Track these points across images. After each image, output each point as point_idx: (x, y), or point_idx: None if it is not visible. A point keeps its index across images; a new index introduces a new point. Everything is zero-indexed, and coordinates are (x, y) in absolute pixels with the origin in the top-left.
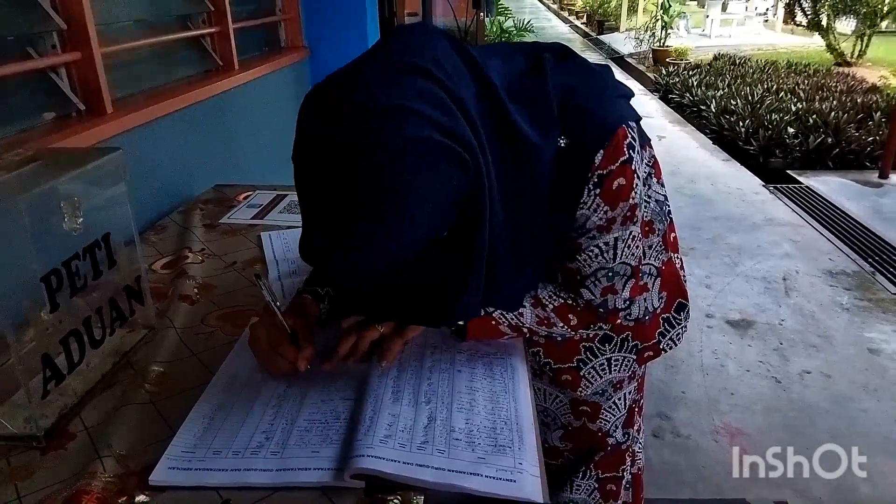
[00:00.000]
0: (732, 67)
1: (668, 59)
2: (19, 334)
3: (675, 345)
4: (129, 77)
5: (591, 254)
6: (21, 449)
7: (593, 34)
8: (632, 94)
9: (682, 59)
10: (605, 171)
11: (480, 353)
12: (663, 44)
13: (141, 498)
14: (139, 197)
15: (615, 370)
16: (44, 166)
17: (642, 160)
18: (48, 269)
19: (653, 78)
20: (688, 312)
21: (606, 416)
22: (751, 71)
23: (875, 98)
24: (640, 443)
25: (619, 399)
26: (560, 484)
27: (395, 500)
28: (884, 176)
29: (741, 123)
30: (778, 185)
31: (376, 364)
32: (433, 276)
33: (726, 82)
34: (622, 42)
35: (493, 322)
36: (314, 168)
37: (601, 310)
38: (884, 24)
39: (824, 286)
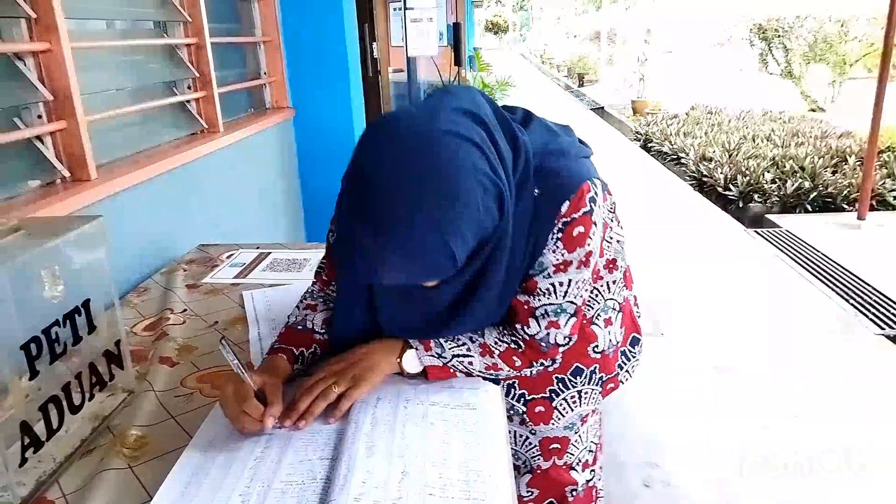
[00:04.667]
0: (709, 116)
1: (645, 110)
2: None
3: (631, 377)
4: (114, 143)
5: (545, 291)
6: None
7: (574, 87)
8: (591, 153)
9: (658, 110)
10: (568, 219)
11: (453, 403)
12: (641, 95)
13: None
14: (123, 259)
15: (584, 402)
16: (26, 236)
17: (601, 211)
18: (28, 337)
19: (633, 128)
20: (641, 346)
21: (572, 450)
22: (727, 119)
23: (849, 143)
24: (601, 479)
25: (584, 433)
26: None
27: None
28: (861, 217)
29: (720, 170)
30: (758, 230)
31: (352, 419)
32: (444, 304)
33: (704, 130)
34: (602, 94)
35: (451, 370)
36: (386, 169)
37: (543, 343)
38: (853, 71)
39: (808, 329)
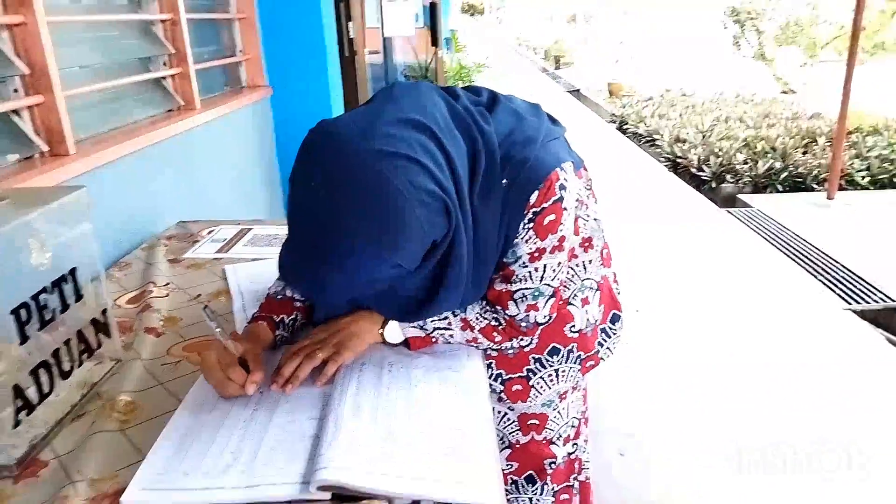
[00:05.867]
0: (683, 98)
1: (621, 93)
2: None
3: (612, 353)
4: (92, 118)
5: (522, 277)
6: None
7: (550, 69)
8: (563, 131)
9: (634, 92)
10: (538, 209)
11: (436, 367)
12: (616, 77)
13: None
14: (103, 235)
15: (562, 380)
16: (11, 205)
17: (574, 192)
18: (18, 303)
19: (608, 110)
20: (622, 322)
21: (552, 425)
22: (701, 101)
23: (819, 124)
24: (586, 452)
25: (564, 409)
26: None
27: None
28: (830, 197)
29: (693, 151)
30: (730, 210)
31: (337, 384)
32: (412, 293)
33: (678, 112)
34: (578, 76)
35: (433, 340)
36: (320, 196)
37: (523, 324)
38: (823, 55)
39: (778, 304)
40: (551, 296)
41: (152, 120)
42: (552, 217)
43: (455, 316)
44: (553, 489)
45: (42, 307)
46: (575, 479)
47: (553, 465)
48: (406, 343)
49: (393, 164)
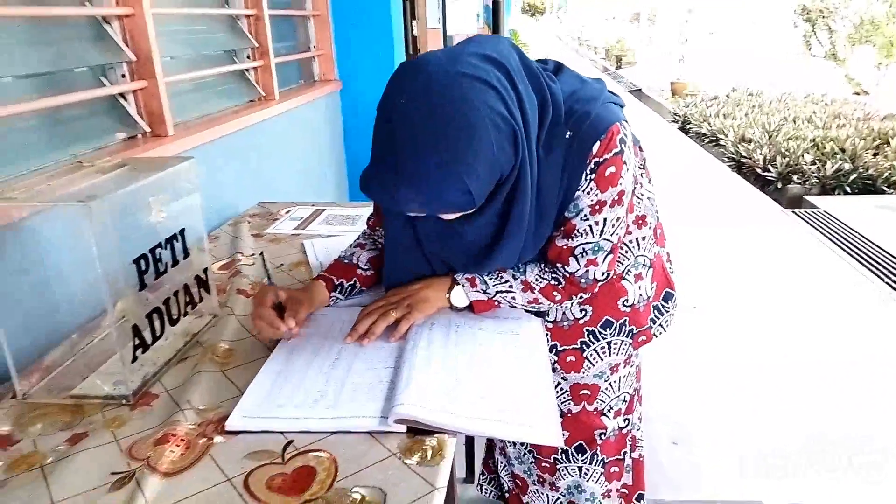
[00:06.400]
0: (750, 98)
1: (684, 92)
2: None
3: (664, 331)
4: (184, 104)
5: (582, 232)
6: (113, 406)
7: (611, 69)
8: (623, 104)
9: (697, 92)
10: (600, 159)
11: (499, 329)
12: (680, 77)
13: (219, 438)
14: None
15: (614, 353)
16: (131, 170)
17: (632, 154)
18: (138, 254)
19: (671, 109)
20: (675, 301)
21: (603, 396)
22: (768, 101)
23: (892, 125)
24: (640, 430)
25: (615, 381)
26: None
27: (432, 442)
28: None
29: (759, 151)
30: (796, 211)
31: (409, 340)
32: (477, 237)
33: (744, 112)
34: (639, 76)
35: (496, 303)
36: (402, 109)
37: (583, 280)
38: None
39: (844, 308)
40: (609, 251)
41: (236, 109)
42: (612, 169)
43: (515, 279)
44: (603, 460)
45: (157, 260)
46: (627, 455)
47: (603, 437)
48: (470, 307)
49: (473, 85)
